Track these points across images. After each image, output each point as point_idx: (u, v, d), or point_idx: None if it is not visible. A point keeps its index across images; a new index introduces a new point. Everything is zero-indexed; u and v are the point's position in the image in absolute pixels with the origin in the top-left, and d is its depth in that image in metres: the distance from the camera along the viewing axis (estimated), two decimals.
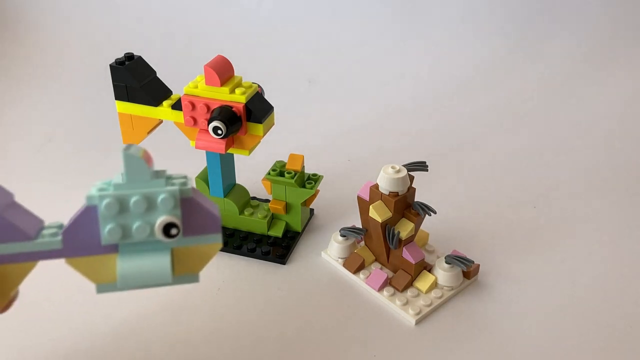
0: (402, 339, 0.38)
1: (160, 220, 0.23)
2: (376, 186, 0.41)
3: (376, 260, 0.44)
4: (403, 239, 0.40)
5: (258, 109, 0.41)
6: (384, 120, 0.69)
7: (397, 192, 0.40)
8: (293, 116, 0.68)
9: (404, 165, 0.41)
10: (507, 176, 0.58)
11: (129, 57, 0.43)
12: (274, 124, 0.43)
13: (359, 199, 0.42)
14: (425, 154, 0.57)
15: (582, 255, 0.46)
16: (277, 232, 0.47)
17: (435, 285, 0.42)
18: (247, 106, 0.41)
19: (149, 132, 0.45)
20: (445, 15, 0.87)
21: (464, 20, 0.86)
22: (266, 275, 0.44)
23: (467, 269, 0.42)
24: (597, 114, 0.70)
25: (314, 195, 0.47)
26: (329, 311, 0.41)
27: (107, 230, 0.23)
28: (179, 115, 0.42)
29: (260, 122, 0.41)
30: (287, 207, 0.47)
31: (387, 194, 0.40)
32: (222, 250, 0.46)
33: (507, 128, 0.68)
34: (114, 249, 0.24)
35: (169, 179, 0.24)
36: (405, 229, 0.40)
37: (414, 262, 0.40)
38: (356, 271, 0.43)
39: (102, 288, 0.25)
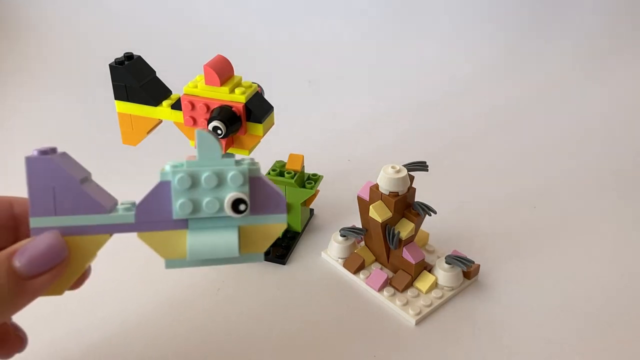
0: (402, 339, 0.38)
1: (230, 195, 0.24)
2: (376, 186, 0.40)
3: (376, 260, 0.44)
4: (403, 239, 0.40)
5: (258, 109, 0.41)
6: (384, 120, 0.69)
7: (397, 192, 0.40)
8: (293, 116, 0.67)
9: (404, 165, 0.41)
10: (507, 176, 0.58)
11: (129, 57, 0.43)
12: (273, 123, 0.43)
13: (359, 199, 0.42)
14: (425, 154, 0.57)
15: (582, 255, 0.46)
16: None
17: (435, 285, 0.41)
18: (247, 106, 0.40)
19: (148, 132, 0.45)
20: (445, 16, 0.87)
21: (464, 21, 0.86)
22: (266, 275, 0.44)
23: (467, 269, 0.41)
24: (598, 115, 0.70)
25: (314, 195, 0.47)
26: (329, 311, 0.41)
27: (178, 205, 0.24)
28: (178, 115, 0.42)
29: (260, 122, 0.41)
30: (287, 207, 0.47)
31: (387, 194, 0.40)
32: None
33: (508, 128, 0.68)
34: (183, 225, 0.25)
35: (237, 161, 0.25)
36: (405, 229, 0.40)
37: (414, 262, 0.40)
38: (356, 271, 0.43)
39: (170, 263, 0.25)
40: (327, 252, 0.45)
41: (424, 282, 0.41)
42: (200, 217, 0.24)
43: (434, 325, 0.39)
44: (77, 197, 0.24)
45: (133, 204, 0.25)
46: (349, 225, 0.46)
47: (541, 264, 0.45)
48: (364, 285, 0.42)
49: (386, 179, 0.39)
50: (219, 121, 0.39)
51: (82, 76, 0.80)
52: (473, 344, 0.38)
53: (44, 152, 0.24)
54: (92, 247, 0.25)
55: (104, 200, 0.25)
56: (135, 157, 0.57)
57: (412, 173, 0.42)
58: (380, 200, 0.40)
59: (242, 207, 0.24)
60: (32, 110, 0.72)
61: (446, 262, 0.41)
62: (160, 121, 0.45)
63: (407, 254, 0.41)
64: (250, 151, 0.43)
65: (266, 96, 0.44)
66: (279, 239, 0.47)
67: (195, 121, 0.42)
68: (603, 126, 0.68)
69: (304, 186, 0.46)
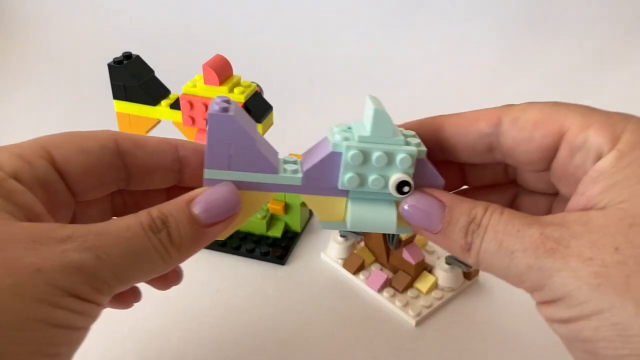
0: (402, 340, 0.38)
1: (396, 176, 0.25)
2: None
3: (376, 261, 0.44)
4: (403, 240, 0.40)
5: (257, 109, 0.41)
6: None
7: None
8: (292, 116, 0.67)
9: None
10: None
11: (127, 56, 0.43)
12: (273, 123, 0.43)
13: None
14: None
15: None
16: (276, 232, 0.47)
17: (435, 286, 0.41)
18: (246, 105, 0.40)
19: (147, 132, 0.45)
20: (446, 17, 0.87)
21: (465, 21, 0.86)
22: (265, 276, 0.44)
23: (467, 270, 0.41)
24: None
25: None
26: (329, 312, 0.40)
27: (347, 178, 0.25)
28: (177, 115, 0.42)
29: (259, 122, 0.41)
30: (286, 207, 0.47)
31: None
32: (221, 250, 0.46)
33: None
34: (345, 193, 0.26)
35: (405, 135, 0.26)
36: None
37: (414, 263, 0.40)
38: (356, 272, 0.43)
39: (326, 225, 0.27)
40: (327, 253, 0.45)
41: (424, 282, 0.41)
42: (364, 191, 0.25)
43: (434, 326, 0.39)
44: (251, 155, 0.25)
45: (295, 161, 0.27)
46: None
47: None
48: (364, 286, 0.42)
49: None
50: None
51: (81, 75, 0.80)
52: (473, 345, 0.38)
53: (224, 109, 0.24)
54: (257, 202, 0.26)
55: (272, 158, 0.26)
56: None
57: None
58: None
59: (405, 188, 0.25)
60: (31, 109, 0.72)
61: (446, 263, 0.41)
62: (159, 121, 0.45)
63: (407, 255, 0.40)
64: None
65: (265, 96, 0.44)
66: (278, 239, 0.47)
67: (194, 121, 0.41)
68: None
69: None
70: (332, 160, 0.25)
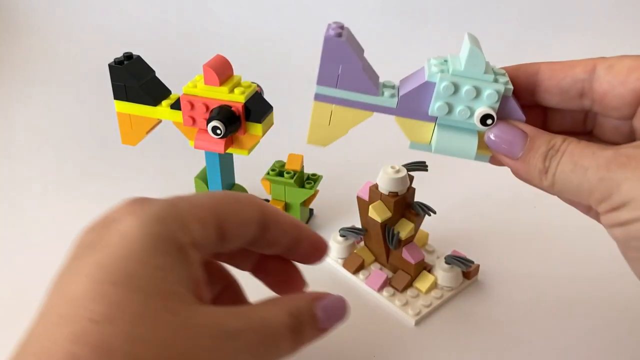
0: (401, 339, 0.38)
1: (481, 110, 0.27)
2: (376, 186, 0.40)
3: (376, 260, 0.44)
4: (403, 239, 0.40)
5: (257, 109, 0.41)
6: (383, 120, 0.69)
7: (397, 192, 0.39)
8: (292, 116, 0.67)
9: (404, 165, 0.41)
10: (507, 176, 0.58)
11: (128, 56, 0.43)
12: (273, 123, 0.43)
13: (359, 199, 0.42)
14: (425, 154, 0.57)
15: (582, 255, 0.46)
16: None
17: (435, 285, 0.41)
18: (246, 106, 0.40)
19: (147, 132, 0.45)
20: (446, 16, 0.87)
21: (465, 21, 0.86)
22: None
23: (467, 270, 0.41)
24: None
25: (314, 195, 0.47)
26: None
27: (437, 106, 0.28)
28: (177, 115, 0.42)
29: (260, 122, 0.41)
30: (287, 207, 0.47)
31: (387, 194, 0.40)
32: None
33: None
34: (433, 119, 0.29)
35: (496, 74, 0.28)
36: (404, 229, 0.40)
37: (413, 263, 0.40)
38: (356, 271, 0.43)
39: (414, 145, 0.30)
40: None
41: (424, 282, 0.41)
42: (451, 119, 0.28)
43: (433, 325, 0.39)
44: (356, 77, 0.28)
45: (393, 86, 0.30)
46: (349, 225, 0.46)
47: (541, 264, 0.45)
48: (364, 286, 0.42)
49: (386, 179, 0.39)
50: (218, 121, 0.39)
51: (82, 76, 0.80)
52: (473, 344, 0.38)
53: (339, 34, 0.27)
54: (358, 118, 0.30)
55: (375, 81, 0.29)
56: (134, 156, 0.57)
57: (411, 173, 0.42)
58: (379, 201, 0.40)
59: (489, 121, 0.27)
60: (32, 109, 0.72)
61: (446, 262, 0.41)
62: (160, 121, 0.45)
63: (406, 254, 0.41)
64: (249, 151, 0.43)
65: (265, 96, 0.44)
66: None
67: (194, 121, 0.42)
68: None
69: (303, 186, 0.46)
70: (426, 88, 0.28)
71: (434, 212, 0.41)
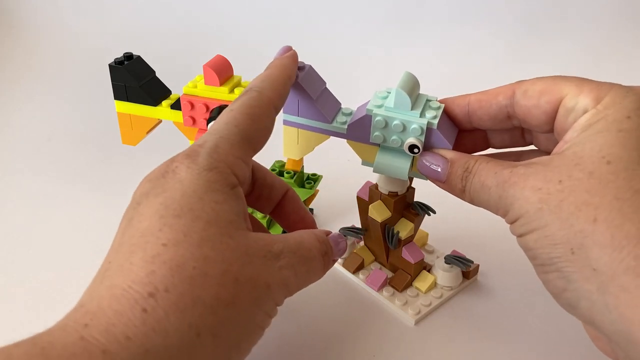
0: (401, 339, 0.38)
1: (409, 140, 0.33)
2: (375, 186, 0.40)
3: (375, 260, 0.44)
4: (402, 239, 0.40)
5: None
6: None
7: (397, 192, 0.40)
8: None
9: None
10: None
11: (128, 56, 0.43)
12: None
13: (359, 199, 0.42)
14: None
15: None
16: (277, 231, 0.47)
17: (434, 285, 0.41)
18: None
19: (148, 132, 0.45)
20: (445, 16, 0.87)
21: (465, 21, 0.86)
22: None
23: (466, 269, 0.41)
24: None
25: (314, 195, 0.47)
26: (328, 311, 0.41)
27: (374, 135, 0.34)
28: (178, 115, 0.42)
29: None
30: None
31: (387, 193, 0.40)
32: None
33: None
34: (377, 144, 0.35)
35: (428, 109, 0.33)
36: (404, 228, 0.40)
37: (413, 262, 0.40)
38: (355, 271, 0.43)
39: (364, 163, 0.37)
40: None
41: (423, 281, 0.41)
42: (387, 145, 0.35)
43: (433, 325, 0.39)
44: (312, 109, 0.35)
45: (350, 113, 0.37)
46: (349, 225, 0.46)
47: None
48: (363, 285, 0.42)
49: (385, 178, 0.39)
50: None
51: (82, 76, 0.80)
52: (473, 344, 0.38)
53: (301, 69, 0.34)
54: (318, 139, 0.37)
55: (329, 112, 0.36)
56: (134, 156, 0.57)
57: None
58: (379, 200, 0.40)
59: (415, 150, 0.33)
60: (32, 109, 0.73)
61: (445, 262, 0.42)
62: (160, 121, 0.45)
63: (406, 254, 0.41)
64: None
65: None
66: None
67: (194, 121, 0.42)
68: None
69: (303, 186, 0.46)
70: (366, 120, 0.34)
71: (434, 212, 0.41)
